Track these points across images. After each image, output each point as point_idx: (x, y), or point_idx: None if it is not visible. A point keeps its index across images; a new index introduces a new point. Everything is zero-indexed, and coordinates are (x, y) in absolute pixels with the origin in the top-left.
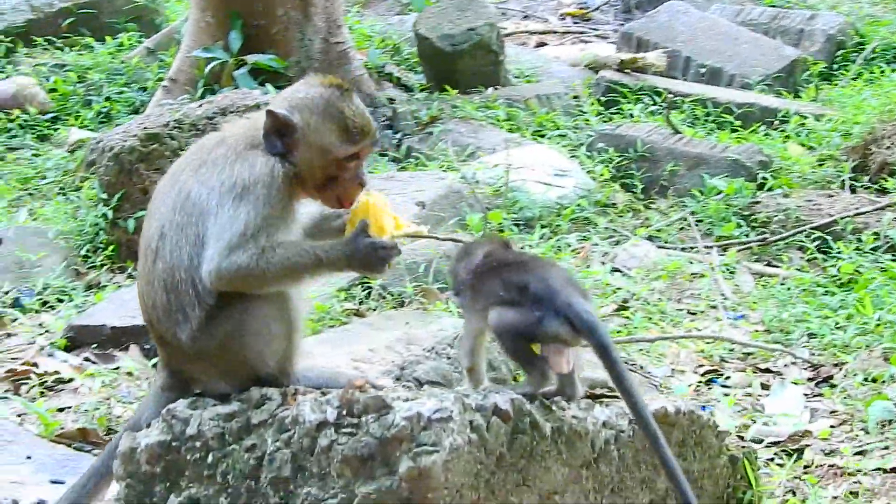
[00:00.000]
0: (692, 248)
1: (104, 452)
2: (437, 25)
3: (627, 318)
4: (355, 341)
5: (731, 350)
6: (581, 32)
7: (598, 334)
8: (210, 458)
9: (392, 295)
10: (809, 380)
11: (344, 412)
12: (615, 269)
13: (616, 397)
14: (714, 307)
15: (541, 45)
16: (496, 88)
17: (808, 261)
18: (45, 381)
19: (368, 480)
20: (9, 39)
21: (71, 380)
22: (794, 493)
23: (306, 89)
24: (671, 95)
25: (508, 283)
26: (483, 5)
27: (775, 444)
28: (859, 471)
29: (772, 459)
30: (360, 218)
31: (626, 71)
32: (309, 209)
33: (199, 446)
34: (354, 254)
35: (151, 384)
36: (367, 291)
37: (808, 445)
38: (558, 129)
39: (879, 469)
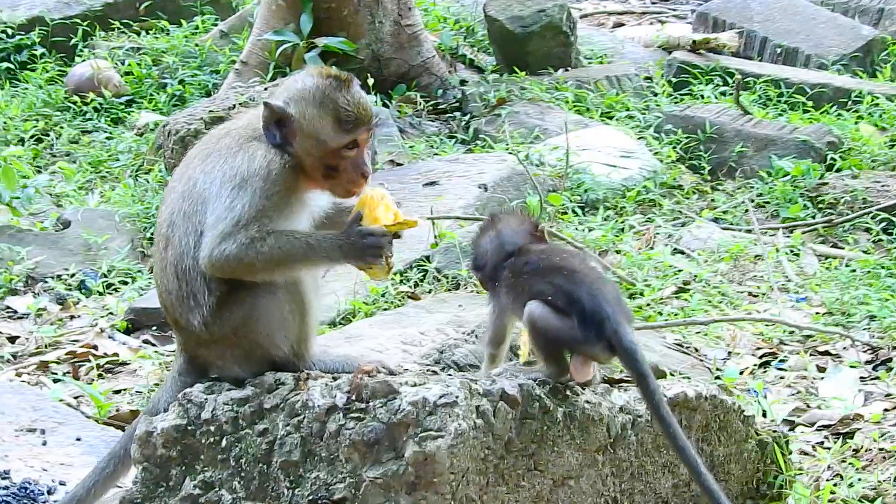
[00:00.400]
0: (759, 229)
1: (124, 436)
2: (506, 7)
3: (686, 300)
4: (407, 323)
5: (791, 333)
6: (659, 13)
7: (638, 364)
8: (224, 443)
9: (447, 278)
10: (868, 363)
11: (353, 397)
12: (678, 251)
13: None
14: (776, 289)
15: (618, 25)
16: (566, 70)
17: (874, 243)
18: (104, 363)
19: (375, 465)
20: (86, 23)
21: (129, 362)
22: (841, 477)
23: (304, 80)
24: (743, 76)
25: (558, 289)
26: None
27: (826, 427)
28: None
29: (821, 443)
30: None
31: (698, 52)
32: (323, 203)
33: (214, 430)
34: (345, 243)
35: (170, 368)
36: (421, 274)
37: (858, 429)
38: (627, 110)
39: None
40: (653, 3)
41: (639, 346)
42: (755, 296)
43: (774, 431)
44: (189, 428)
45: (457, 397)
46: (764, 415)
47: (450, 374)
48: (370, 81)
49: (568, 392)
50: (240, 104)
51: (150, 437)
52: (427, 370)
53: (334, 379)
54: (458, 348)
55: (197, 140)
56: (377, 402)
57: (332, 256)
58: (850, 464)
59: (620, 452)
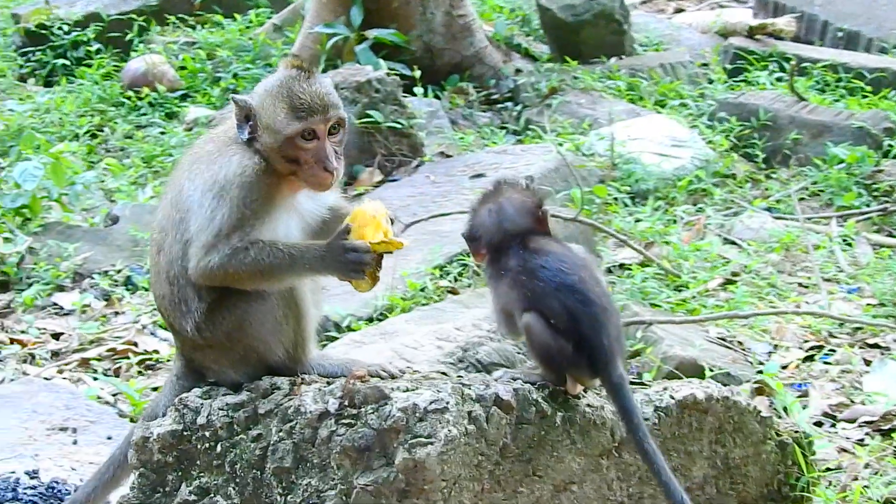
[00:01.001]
0: (810, 218)
1: (123, 441)
2: None
3: (732, 291)
4: (444, 319)
5: (841, 325)
6: None
7: (623, 400)
8: (219, 448)
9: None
10: None
11: (345, 403)
12: (729, 241)
13: (643, 384)
14: (827, 280)
15: (679, 11)
16: (620, 58)
17: None
18: (144, 361)
19: (366, 471)
20: (142, 19)
21: (169, 360)
22: (878, 475)
23: (272, 75)
24: (800, 62)
25: (564, 310)
26: None
27: (869, 423)
28: None
29: (861, 440)
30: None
31: (756, 37)
32: (314, 207)
33: (209, 436)
34: (327, 255)
35: (170, 372)
36: (461, 269)
37: None
38: (681, 98)
39: None
40: None
41: (626, 381)
42: (805, 287)
43: (796, 432)
44: (185, 433)
45: (447, 403)
46: (786, 412)
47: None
48: (417, 73)
49: (568, 396)
50: None
51: (147, 442)
52: (438, 372)
53: (328, 384)
54: (483, 346)
55: None
56: (368, 408)
57: (314, 268)
58: (890, 462)
59: (626, 456)
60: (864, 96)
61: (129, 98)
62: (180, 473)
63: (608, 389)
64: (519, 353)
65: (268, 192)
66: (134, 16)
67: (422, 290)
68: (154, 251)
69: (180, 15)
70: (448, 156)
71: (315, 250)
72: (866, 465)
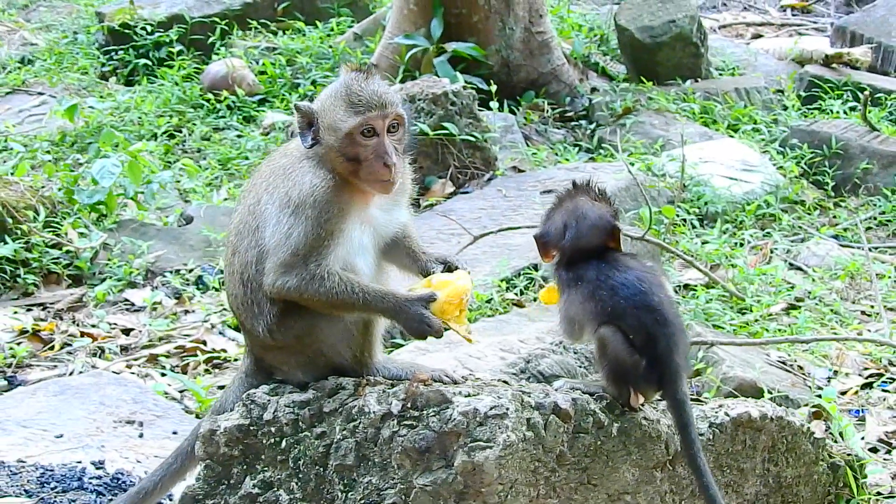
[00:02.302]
0: (876, 247)
1: (191, 433)
2: (637, 17)
3: (795, 316)
4: (508, 331)
5: None
6: (799, 25)
7: (683, 416)
8: (284, 444)
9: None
10: None
11: (408, 405)
12: (795, 267)
13: (700, 401)
14: (891, 309)
15: (757, 36)
16: (695, 81)
17: None
18: (211, 359)
19: (426, 472)
20: (224, 22)
21: (236, 359)
22: None
23: (335, 80)
24: (873, 92)
25: (642, 328)
26: None
27: None
28: None
29: None
30: (436, 289)
31: (831, 66)
32: (388, 221)
33: (275, 431)
34: (404, 316)
35: (238, 370)
36: (527, 282)
37: None
38: (754, 123)
39: None
40: (794, 14)
41: (688, 398)
42: (868, 315)
43: (848, 455)
44: (251, 428)
45: (507, 409)
46: (842, 436)
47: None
48: (493, 88)
49: (624, 409)
50: None
51: (214, 435)
52: (498, 380)
53: (392, 386)
54: (545, 358)
55: None
56: (430, 410)
57: (384, 314)
58: None
59: (680, 470)
60: None
61: (207, 100)
62: (245, 467)
63: (670, 405)
64: (581, 366)
65: (340, 207)
66: (216, 19)
67: (488, 301)
68: (229, 252)
69: (262, 20)
70: (520, 170)
71: (390, 302)
72: None
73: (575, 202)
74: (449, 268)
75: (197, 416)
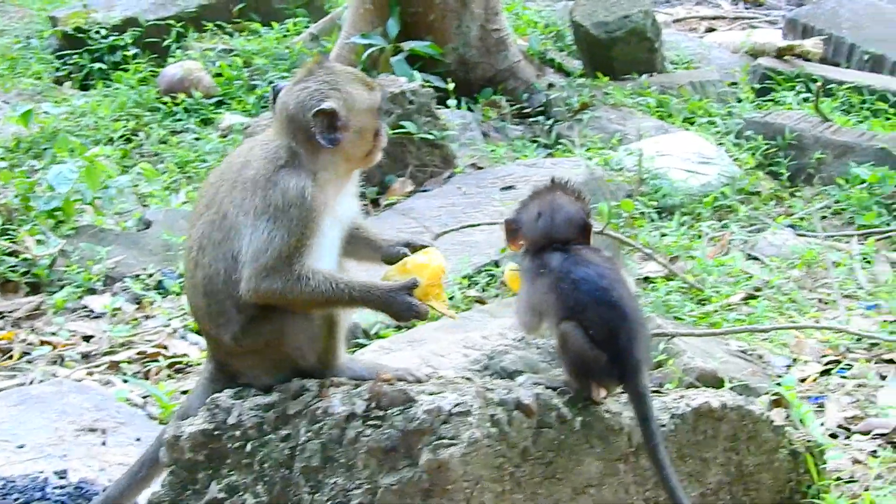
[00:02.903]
0: (831, 236)
1: (155, 440)
2: (592, 13)
3: (754, 306)
4: (471, 328)
5: (858, 340)
6: (751, 18)
7: (645, 408)
8: (249, 447)
9: None
10: None
11: (373, 405)
12: (752, 257)
13: (661, 393)
14: (847, 296)
15: (710, 30)
16: (651, 75)
17: None
18: (174, 364)
19: (392, 472)
20: (180, 25)
21: (199, 363)
22: (890, 485)
23: (303, 82)
24: (826, 83)
25: (604, 324)
26: None
27: (882, 435)
28: None
29: (874, 452)
30: (415, 274)
31: (784, 58)
32: (346, 212)
33: (239, 435)
34: (393, 306)
35: (200, 376)
36: (489, 279)
37: None
38: (709, 116)
39: None
40: (746, 8)
41: (649, 391)
42: (825, 303)
43: (808, 442)
44: (216, 432)
45: (471, 406)
46: (802, 423)
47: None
48: (451, 86)
49: (587, 402)
50: None
51: (179, 440)
52: (462, 378)
53: (356, 387)
54: (508, 354)
55: None
56: (394, 410)
57: (370, 307)
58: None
59: (644, 461)
60: (888, 118)
61: (164, 103)
62: (210, 472)
63: (632, 397)
64: (544, 361)
65: (321, 207)
66: (172, 22)
67: (450, 298)
68: (190, 266)
69: (218, 22)
70: (479, 168)
71: (376, 294)
72: (878, 476)
73: (552, 195)
74: (413, 248)
75: (160, 422)
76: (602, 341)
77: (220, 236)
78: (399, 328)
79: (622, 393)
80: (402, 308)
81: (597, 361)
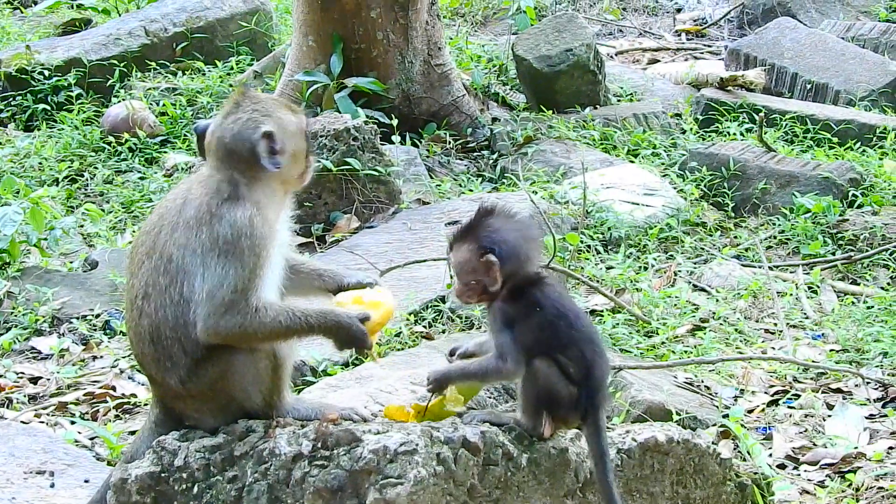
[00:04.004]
0: (777, 266)
1: (103, 484)
2: (534, 46)
3: (701, 338)
4: (418, 364)
5: (805, 370)
6: (694, 49)
7: (601, 444)
8: (196, 489)
9: (460, 318)
10: (878, 400)
11: (319, 445)
12: (698, 288)
13: (608, 427)
14: (793, 326)
15: (653, 61)
16: (594, 108)
17: (893, 279)
18: (121, 405)
19: None
20: (123, 64)
21: (146, 403)
22: None
23: (233, 114)
24: (769, 113)
25: (580, 361)
26: (581, 26)
27: (830, 465)
28: None
29: (822, 482)
30: (369, 309)
31: (727, 89)
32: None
33: (186, 477)
34: (346, 333)
35: (146, 419)
36: (436, 314)
37: (860, 468)
38: (654, 147)
39: None
40: (688, 39)
41: (605, 428)
42: (772, 333)
43: (755, 473)
44: (163, 475)
45: (417, 445)
46: (750, 455)
47: None
48: (395, 121)
49: (533, 438)
50: None
51: (125, 483)
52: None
53: (302, 427)
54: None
55: None
56: (340, 449)
57: (323, 335)
58: (847, 502)
59: (590, 496)
60: (831, 147)
61: (109, 143)
62: None
63: (590, 433)
64: (490, 397)
65: (267, 236)
66: (115, 61)
67: (397, 335)
68: (134, 314)
69: (161, 61)
70: (425, 203)
71: (332, 321)
72: None
73: (512, 222)
74: (362, 286)
75: (109, 464)
76: (579, 378)
77: (166, 281)
78: (346, 365)
79: (578, 429)
80: (356, 336)
81: (569, 398)
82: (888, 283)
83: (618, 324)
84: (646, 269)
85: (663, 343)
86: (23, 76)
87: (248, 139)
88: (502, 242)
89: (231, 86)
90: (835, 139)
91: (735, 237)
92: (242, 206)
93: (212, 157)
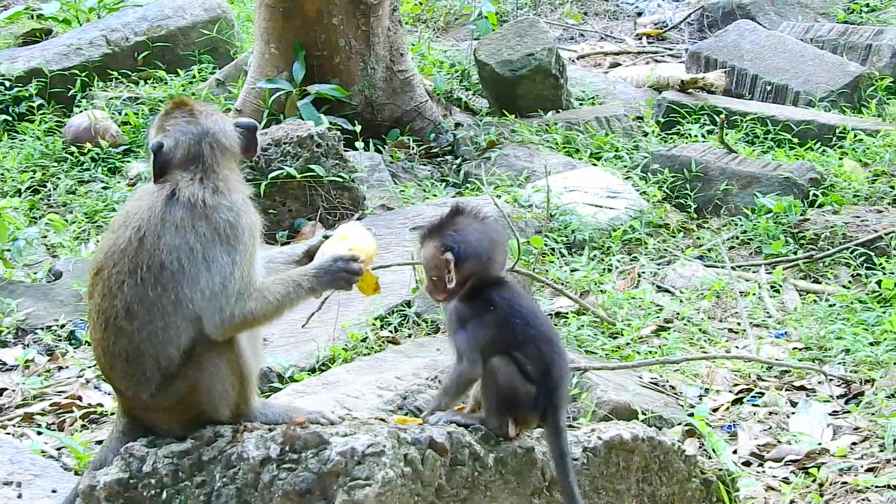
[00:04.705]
0: (739, 266)
1: (71, 491)
2: (496, 51)
3: (665, 338)
4: (384, 369)
5: (768, 369)
6: (655, 52)
7: (561, 444)
8: (165, 495)
9: (426, 322)
10: (840, 397)
11: (287, 448)
12: (662, 289)
13: (573, 427)
14: (757, 325)
15: (615, 65)
16: (557, 112)
17: (853, 277)
18: (88, 414)
19: None
20: (85, 74)
21: (112, 412)
22: None
23: (187, 116)
24: (729, 115)
25: (539, 359)
26: (542, 31)
27: (794, 462)
28: (868, 488)
29: (787, 478)
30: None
31: (688, 91)
32: None
33: (155, 483)
34: (338, 273)
35: (113, 429)
36: (401, 319)
37: (823, 463)
38: (616, 151)
39: (888, 486)
40: (649, 42)
41: (566, 428)
42: (735, 332)
43: (720, 470)
44: (131, 481)
45: (384, 447)
46: (715, 452)
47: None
48: (358, 128)
49: (500, 438)
50: None
51: (94, 490)
52: (375, 418)
53: (270, 431)
54: (422, 394)
55: None
56: (308, 452)
57: (317, 291)
58: (812, 499)
59: (557, 495)
60: (791, 148)
61: (71, 153)
62: None
63: (550, 433)
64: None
65: (257, 218)
66: (76, 71)
67: (363, 340)
68: (109, 335)
69: (123, 70)
70: (389, 209)
71: (323, 269)
72: (791, 503)
73: (479, 223)
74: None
75: (76, 473)
76: (537, 377)
77: (156, 293)
78: (313, 371)
79: (537, 428)
80: (351, 269)
81: (527, 396)
82: (849, 282)
83: (583, 325)
84: (610, 270)
85: (628, 344)
86: None
87: (221, 125)
88: (463, 242)
89: (194, 94)
90: (795, 140)
91: (698, 238)
92: (228, 193)
93: (182, 158)
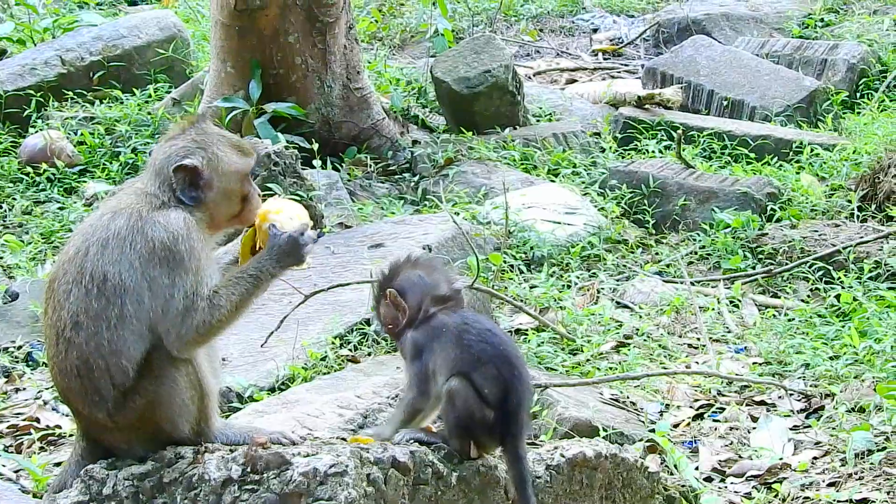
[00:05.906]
0: (698, 281)
1: None
2: (453, 68)
3: (625, 354)
4: (344, 387)
5: (729, 384)
6: (611, 68)
7: (520, 469)
8: None
9: (386, 340)
10: (801, 411)
11: (248, 469)
12: (622, 305)
13: (536, 444)
14: (716, 340)
15: (571, 81)
16: (514, 128)
17: (812, 291)
18: (46, 436)
19: None
20: (40, 94)
21: (71, 434)
22: None
23: (174, 139)
24: (687, 130)
25: (497, 381)
26: (499, 47)
27: (755, 477)
28: (831, 503)
29: (748, 494)
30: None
31: (644, 107)
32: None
33: None
34: (291, 253)
35: (72, 452)
36: (361, 337)
37: (785, 478)
38: (574, 167)
39: (849, 501)
40: (605, 58)
41: (526, 455)
42: (695, 347)
43: (683, 486)
44: None
45: (346, 466)
46: (677, 468)
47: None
48: (316, 146)
49: (462, 458)
50: None
51: None
52: (337, 438)
53: (231, 451)
54: (382, 413)
55: None
56: (270, 473)
57: (273, 274)
58: None
59: None
60: (749, 163)
61: (27, 174)
62: None
63: (510, 460)
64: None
65: (205, 239)
66: (31, 91)
67: (322, 359)
68: (60, 348)
69: (78, 90)
70: (347, 227)
71: (268, 259)
72: None
73: (417, 263)
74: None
75: (34, 496)
76: (495, 400)
77: (100, 305)
78: (272, 390)
79: (498, 455)
80: (303, 244)
81: (483, 422)
82: (808, 296)
83: (542, 342)
84: (569, 287)
85: (588, 360)
86: None
87: (170, 166)
88: (401, 280)
89: (150, 113)
90: (752, 154)
91: (656, 254)
92: (175, 211)
93: (148, 173)
